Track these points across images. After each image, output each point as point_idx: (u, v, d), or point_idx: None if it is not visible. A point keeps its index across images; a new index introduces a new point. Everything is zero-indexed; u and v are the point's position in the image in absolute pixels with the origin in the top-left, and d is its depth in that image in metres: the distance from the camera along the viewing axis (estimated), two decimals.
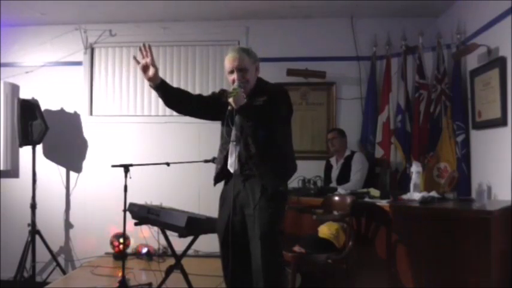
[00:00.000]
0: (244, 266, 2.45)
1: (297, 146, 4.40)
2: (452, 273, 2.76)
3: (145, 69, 2.38)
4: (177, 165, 3.60)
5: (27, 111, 4.31)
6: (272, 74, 4.39)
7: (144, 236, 3.94)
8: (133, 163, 3.38)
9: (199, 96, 2.67)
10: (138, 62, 2.40)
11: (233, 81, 2.43)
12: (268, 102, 2.37)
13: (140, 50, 2.38)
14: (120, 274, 3.39)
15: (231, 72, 2.44)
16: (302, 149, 4.41)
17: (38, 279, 4.43)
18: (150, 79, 2.39)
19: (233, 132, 2.46)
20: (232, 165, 2.49)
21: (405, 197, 3.25)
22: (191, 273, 3.28)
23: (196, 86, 4.74)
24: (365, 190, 3.50)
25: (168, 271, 3.22)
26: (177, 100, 2.52)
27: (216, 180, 2.61)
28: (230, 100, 2.30)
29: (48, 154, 4.72)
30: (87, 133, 4.78)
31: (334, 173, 4.14)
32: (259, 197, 2.39)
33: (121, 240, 4.29)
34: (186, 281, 3.20)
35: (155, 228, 3.42)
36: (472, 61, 3.71)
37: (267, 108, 2.36)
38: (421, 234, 2.91)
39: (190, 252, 3.37)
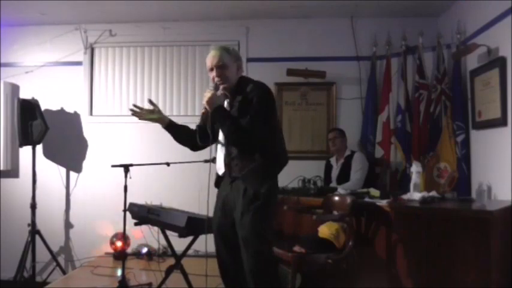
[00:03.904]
0: (238, 267, 2.44)
1: (297, 146, 4.52)
2: (453, 273, 2.75)
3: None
4: (177, 165, 3.59)
5: (27, 111, 4.30)
6: (272, 74, 4.44)
7: (144, 236, 3.93)
8: (133, 163, 3.38)
9: (195, 130, 2.60)
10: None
11: (213, 79, 2.44)
12: (244, 102, 2.35)
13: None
14: (120, 274, 3.38)
15: (211, 70, 2.45)
16: (302, 149, 4.41)
17: (38, 279, 4.42)
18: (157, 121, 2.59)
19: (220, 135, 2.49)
20: (219, 167, 2.52)
21: (405, 197, 3.24)
22: (191, 273, 3.27)
23: (196, 86, 4.74)
24: (365, 190, 3.50)
25: (168, 271, 3.21)
26: (184, 138, 2.64)
27: (215, 182, 2.61)
28: (204, 102, 2.36)
29: (48, 154, 4.72)
30: (87, 133, 4.78)
31: (334, 173, 4.14)
32: (241, 201, 2.35)
33: (121, 240, 4.29)
34: (186, 281, 3.20)
35: (155, 228, 3.41)
36: (472, 61, 3.71)
37: (242, 109, 2.34)
38: (421, 234, 2.91)
39: (190, 252, 3.35)
